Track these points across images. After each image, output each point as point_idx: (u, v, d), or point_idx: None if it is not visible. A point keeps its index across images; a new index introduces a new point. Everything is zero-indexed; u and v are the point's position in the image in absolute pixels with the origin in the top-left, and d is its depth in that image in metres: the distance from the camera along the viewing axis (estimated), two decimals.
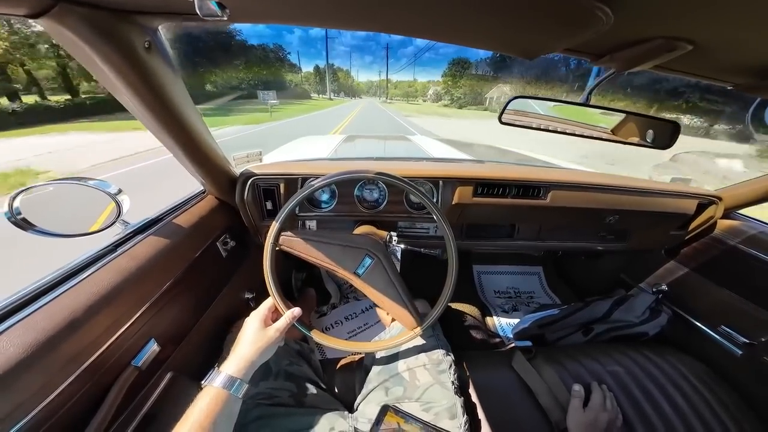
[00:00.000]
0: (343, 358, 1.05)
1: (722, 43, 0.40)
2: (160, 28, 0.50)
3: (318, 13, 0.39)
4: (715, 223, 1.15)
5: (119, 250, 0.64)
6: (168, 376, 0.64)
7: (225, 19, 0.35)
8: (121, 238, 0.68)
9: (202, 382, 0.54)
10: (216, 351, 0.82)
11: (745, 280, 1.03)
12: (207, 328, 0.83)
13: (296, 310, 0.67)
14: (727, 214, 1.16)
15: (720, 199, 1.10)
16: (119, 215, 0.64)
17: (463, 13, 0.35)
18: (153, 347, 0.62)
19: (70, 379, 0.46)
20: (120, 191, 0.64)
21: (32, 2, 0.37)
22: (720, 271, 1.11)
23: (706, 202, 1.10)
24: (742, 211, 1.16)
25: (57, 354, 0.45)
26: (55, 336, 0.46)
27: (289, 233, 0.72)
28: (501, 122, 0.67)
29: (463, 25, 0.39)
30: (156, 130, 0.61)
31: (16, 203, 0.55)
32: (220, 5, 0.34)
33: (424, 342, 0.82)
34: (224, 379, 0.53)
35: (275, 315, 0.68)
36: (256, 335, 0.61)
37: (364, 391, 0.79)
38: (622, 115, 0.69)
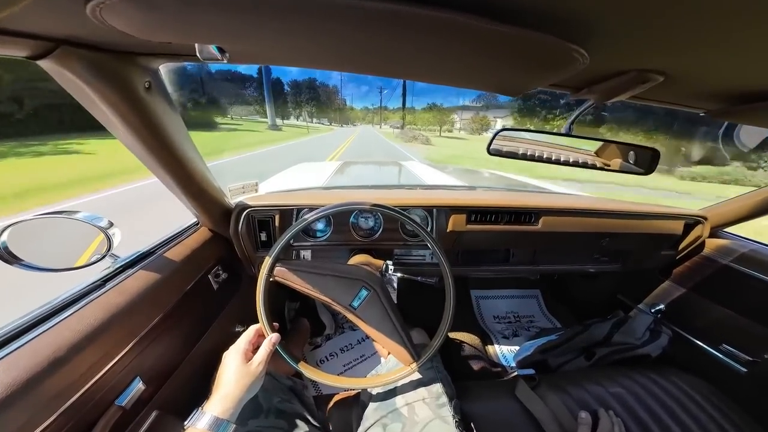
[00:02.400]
0: (339, 393, 1.00)
1: (690, 72, 0.43)
2: (160, 67, 0.53)
3: (305, 56, 0.42)
4: (704, 242, 1.18)
5: (108, 285, 0.63)
6: (153, 415, 0.62)
7: (224, 62, 0.37)
8: (110, 273, 0.66)
9: (185, 423, 0.51)
10: (204, 387, 0.78)
11: (740, 297, 1.04)
12: (195, 363, 0.80)
13: (274, 336, 0.65)
14: (715, 232, 1.19)
15: (705, 218, 1.13)
16: (109, 249, 0.63)
17: (449, 57, 0.38)
18: (138, 385, 0.60)
19: (51, 418, 0.45)
20: (111, 224, 0.63)
21: (34, 45, 0.38)
22: (715, 290, 1.12)
23: (692, 222, 1.13)
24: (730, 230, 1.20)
25: (39, 392, 0.44)
26: (38, 374, 0.44)
27: (284, 264, 0.71)
28: (489, 153, 0.69)
29: (449, 67, 0.42)
30: (152, 166, 0.62)
31: (3, 237, 0.54)
32: (220, 50, 0.36)
33: (423, 375, 0.79)
34: (209, 420, 0.50)
35: (257, 342, 0.65)
36: (238, 372, 0.58)
37: (361, 429, 0.75)
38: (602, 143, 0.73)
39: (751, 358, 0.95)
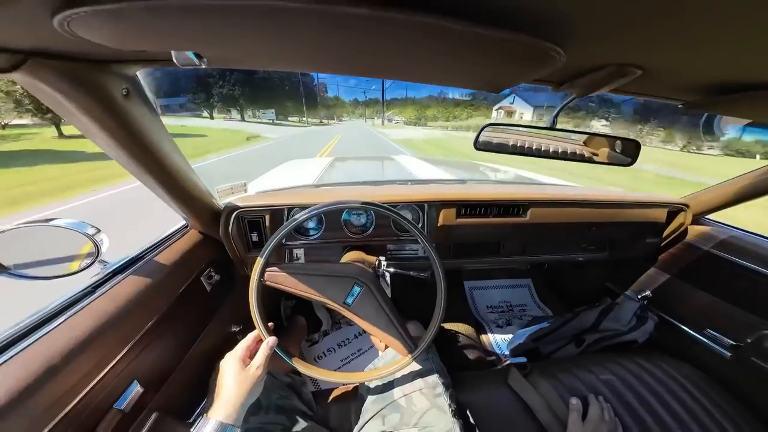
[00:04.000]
0: (338, 388, 1.02)
1: (667, 66, 0.44)
2: (138, 73, 0.51)
3: (285, 59, 0.41)
4: (687, 229, 1.21)
5: (98, 292, 0.63)
6: (153, 417, 0.62)
7: (202, 66, 0.37)
8: (99, 279, 0.66)
9: (192, 430, 0.52)
10: (202, 388, 0.80)
11: (722, 283, 1.07)
12: (192, 365, 0.81)
13: (271, 340, 0.66)
14: (697, 219, 1.22)
15: (687, 206, 1.16)
16: (98, 256, 0.62)
17: (431, 58, 0.38)
18: (136, 389, 0.61)
19: (50, 426, 0.46)
20: (98, 231, 0.63)
21: (3, 58, 0.37)
22: (698, 276, 1.15)
23: (674, 209, 1.16)
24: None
25: (35, 401, 0.45)
26: (32, 384, 0.45)
27: (274, 268, 0.71)
28: (476, 148, 0.70)
29: (430, 66, 0.42)
30: (135, 171, 0.61)
31: None
32: (198, 56, 0.35)
33: (419, 366, 0.81)
34: (215, 426, 0.51)
35: (255, 349, 0.66)
36: (238, 377, 0.59)
37: (360, 422, 0.77)
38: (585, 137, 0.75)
39: (734, 342, 0.98)
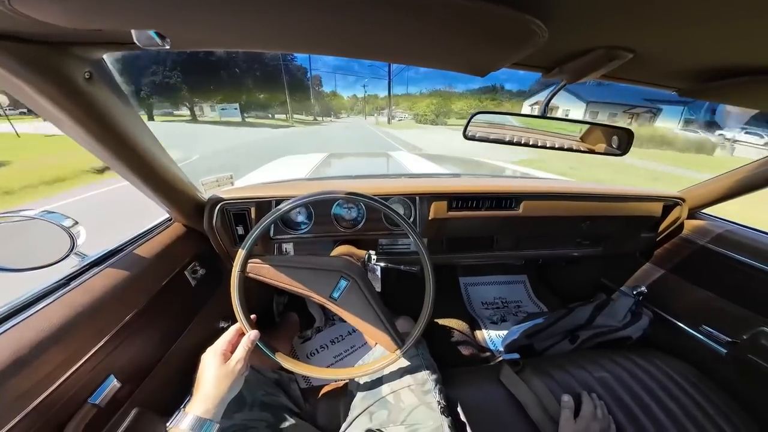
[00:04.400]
0: (327, 384, 1.01)
1: (660, 49, 0.43)
2: (104, 57, 0.49)
3: (261, 37, 0.39)
4: (682, 223, 1.19)
5: (73, 284, 0.61)
6: (133, 412, 0.62)
7: (167, 47, 0.35)
8: (75, 271, 0.64)
9: (168, 424, 0.51)
10: (187, 384, 0.78)
11: (717, 278, 1.06)
12: (176, 361, 0.79)
13: (252, 334, 0.64)
14: (693, 214, 1.21)
15: (683, 200, 1.14)
16: (73, 248, 0.61)
17: (409, 35, 0.36)
18: (112, 383, 0.60)
19: (18, 418, 0.45)
20: (75, 223, 0.61)
21: None
22: (694, 271, 1.14)
23: (670, 203, 1.15)
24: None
25: (1, 393, 0.44)
26: None
27: (257, 260, 0.69)
28: (465, 137, 0.68)
29: (411, 46, 0.40)
30: (110, 161, 0.59)
31: None
32: (159, 35, 0.33)
33: (408, 362, 0.79)
34: (192, 421, 0.50)
35: (237, 342, 0.65)
36: (218, 372, 0.57)
37: (348, 419, 0.76)
38: (582, 126, 0.73)
39: (730, 339, 0.96)
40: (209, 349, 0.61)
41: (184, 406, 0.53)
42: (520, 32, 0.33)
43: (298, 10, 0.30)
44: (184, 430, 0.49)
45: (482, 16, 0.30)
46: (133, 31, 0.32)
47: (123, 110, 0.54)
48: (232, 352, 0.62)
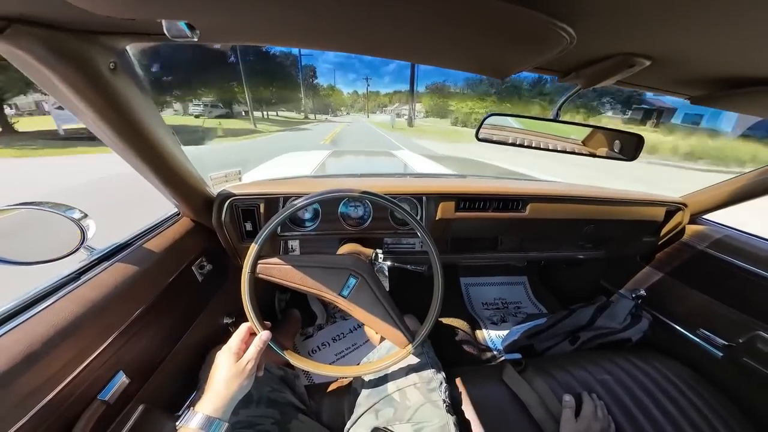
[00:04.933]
0: (332, 382, 1.01)
1: (677, 57, 0.43)
2: (127, 47, 0.49)
3: (284, 33, 0.39)
4: (684, 228, 1.21)
5: (82, 278, 0.61)
6: (140, 409, 0.61)
7: (195, 40, 0.35)
8: (85, 266, 0.64)
9: (177, 423, 0.51)
10: (192, 381, 0.79)
11: (715, 282, 1.07)
12: (182, 356, 0.79)
13: (264, 334, 0.64)
14: (694, 219, 1.22)
15: (685, 205, 1.16)
16: (83, 241, 0.60)
17: (433, 34, 0.36)
18: (122, 379, 0.59)
19: (29, 415, 0.44)
20: (85, 216, 0.60)
21: None
22: (693, 275, 1.16)
23: (673, 208, 1.16)
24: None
25: (13, 390, 0.43)
26: (10, 371, 0.43)
27: (267, 260, 0.69)
28: (478, 139, 0.69)
29: (433, 46, 0.40)
30: (124, 153, 0.58)
31: None
32: (190, 27, 0.33)
33: (414, 360, 0.80)
34: (201, 420, 0.50)
35: (249, 342, 0.65)
36: (230, 371, 0.57)
37: (353, 416, 0.76)
38: (590, 129, 0.73)
39: (726, 342, 0.98)
40: (224, 348, 0.61)
41: (193, 405, 0.53)
42: (549, 38, 0.33)
43: (331, 4, 0.29)
44: (194, 429, 0.49)
45: (512, 19, 0.30)
46: (163, 22, 0.32)
47: (143, 102, 0.54)
48: (245, 351, 0.62)
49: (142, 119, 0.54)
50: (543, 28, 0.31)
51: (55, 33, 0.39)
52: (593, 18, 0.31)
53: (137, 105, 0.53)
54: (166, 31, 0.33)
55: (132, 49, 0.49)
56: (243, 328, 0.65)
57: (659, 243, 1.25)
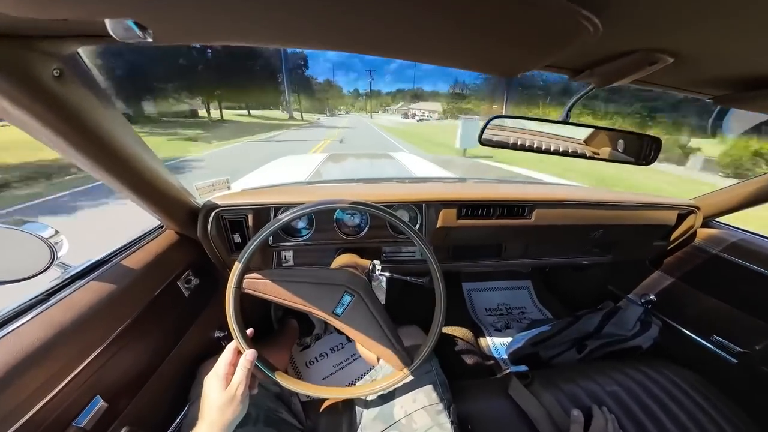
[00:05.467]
0: (328, 399, 0.96)
1: (704, 55, 0.40)
2: (79, 51, 0.43)
3: (261, 30, 0.33)
4: (696, 232, 1.17)
5: (53, 299, 0.56)
6: (123, 431, 0.58)
7: (149, 41, 0.29)
8: (56, 285, 0.59)
9: None
10: (182, 398, 0.75)
11: (729, 288, 1.03)
12: (171, 373, 0.75)
13: (250, 354, 0.60)
14: (706, 222, 1.18)
15: (698, 208, 1.11)
16: (53, 260, 0.55)
17: (436, 30, 0.31)
18: (99, 404, 0.56)
19: None
20: (56, 233, 0.56)
21: None
22: (705, 280, 1.11)
23: (685, 212, 1.12)
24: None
25: None
26: None
27: (255, 274, 0.65)
28: (481, 143, 0.64)
29: (436, 44, 0.35)
30: (91, 168, 0.53)
31: None
32: (140, 26, 0.28)
33: (420, 379, 0.76)
34: None
35: (236, 362, 0.61)
36: (221, 398, 0.54)
37: None
38: (599, 131, 0.69)
39: (741, 350, 0.95)
40: (211, 374, 0.58)
41: (188, 428, 0.51)
42: (570, 29, 0.28)
43: (301, 3, 0.25)
44: None
45: (530, 7, 0.25)
46: (106, 21, 0.27)
47: (103, 111, 0.49)
48: (233, 374, 0.58)
49: (105, 130, 0.49)
50: (564, 17, 0.26)
51: None
52: (623, 6, 0.27)
53: (97, 115, 0.47)
54: (111, 32, 0.28)
55: (85, 52, 0.44)
56: (229, 348, 0.61)
57: (669, 247, 1.21)
